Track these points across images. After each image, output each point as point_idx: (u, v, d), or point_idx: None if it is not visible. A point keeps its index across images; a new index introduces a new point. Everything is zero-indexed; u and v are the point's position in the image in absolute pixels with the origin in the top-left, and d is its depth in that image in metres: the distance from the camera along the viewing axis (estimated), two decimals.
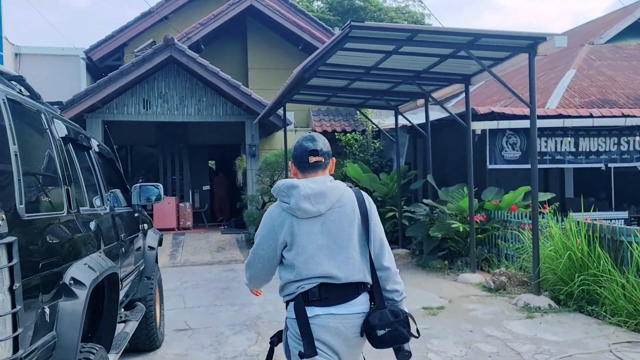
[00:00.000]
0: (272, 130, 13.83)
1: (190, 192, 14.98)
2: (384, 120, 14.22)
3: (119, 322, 4.25)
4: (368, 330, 2.28)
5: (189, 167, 15.22)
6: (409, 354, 2.38)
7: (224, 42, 15.47)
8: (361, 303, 2.33)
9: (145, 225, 4.86)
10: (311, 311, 2.25)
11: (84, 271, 2.29)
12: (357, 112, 14.52)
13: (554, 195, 9.48)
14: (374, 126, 14.27)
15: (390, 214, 11.61)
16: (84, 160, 3.20)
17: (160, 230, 13.24)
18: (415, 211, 10.09)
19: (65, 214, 2.41)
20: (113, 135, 15.39)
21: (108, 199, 3.50)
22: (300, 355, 2.22)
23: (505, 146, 9.76)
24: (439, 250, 9.56)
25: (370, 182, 12.01)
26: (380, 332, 2.26)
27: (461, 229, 8.57)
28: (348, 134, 14.28)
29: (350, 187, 2.52)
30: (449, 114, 9.18)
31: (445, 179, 11.00)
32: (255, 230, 2.52)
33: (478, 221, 8.70)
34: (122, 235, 3.63)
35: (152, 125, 14.92)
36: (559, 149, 10.05)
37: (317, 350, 2.21)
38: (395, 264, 2.51)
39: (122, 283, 3.51)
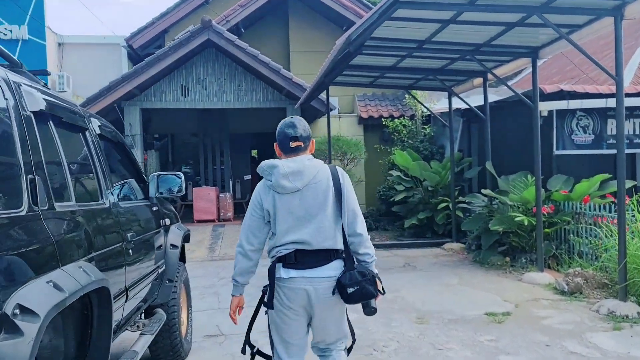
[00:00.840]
0: (314, 117, 13.11)
1: (231, 182, 14.49)
2: (435, 104, 13.24)
3: (133, 332, 3.66)
4: (340, 288, 2.65)
5: (229, 157, 14.73)
6: (375, 310, 2.75)
7: (265, 25, 14.82)
8: (334, 268, 2.71)
9: (168, 221, 4.24)
10: (287, 273, 2.69)
11: (43, 293, 1.64)
12: (406, 95, 13.63)
13: (635, 183, 8.35)
14: (424, 110, 13.32)
15: (443, 204, 10.71)
16: (73, 144, 2.58)
17: (200, 222, 12.88)
18: (472, 202, 9.18)
19: (24, 212, 1.78)
20: (154, 124, 15.11)
21: (110, 192, 2.87)
22: (264, 304, 2.79)
23: (575, 129, 8.68)
24: (499, 245, 8.64)
25: (421, 170, 11.13)
26: (350, 290, 2.62)
27: (526, 222, 7.62)
28: (396, 120, 13.41)
29: (327, 164, 2.86)
30: (511, 94, 8.22)
31: (504, 167, 9.99)
32: None
33: (545, 213, 7.72)
34: (129, 234, 3.00)
35: (193, 113, 14.49)
36: (637, 132, 8.88)
37: (284, 307, 2.72)
38: (366, 232, 2.87)
39: (128, 293, 2.88)
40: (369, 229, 11.43)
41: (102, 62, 15.77)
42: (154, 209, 3.91)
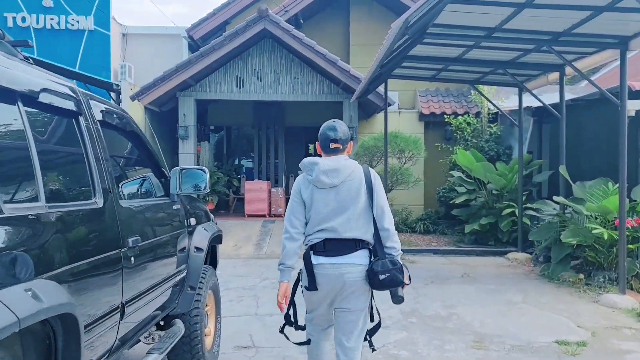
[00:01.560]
0: (372, 111, 12.50)
1: (284, 176, 14.13)
2: (503, 101, 12.28)
3: (148, 344, 3.25)
4: (371, 275, 2.94)
5: (284, 150, 14.37)
6: (402, 298, 3.05)
7: (325, 17, 14.33)
8: (358, 257, 3.00)
9: (193, 220, 3.81)
10: (317, 259, 3.02)
11: None
12: (472, 92, 12.73)
13: None
14: (491, 108, 12.39)
15: (508, 210, 9.84)
16: (55, 130, 2.16)
17: (250, 216, 12.59)
18: (541, 209, 8.28)
19: None
20: (210, 115, 15.01)
21: (108, 189, 2.43)
22: (307, 287, 3.07)
23: None
24: (572, 259, 7.74)
25: (485, 172, 10.28)
26: (382, 277, 2.92)
27: (605, 236, 6.70)
28: (459, 117, 12.56)
29: (362, 164, 3.19)
30: (589, 92, 7.32)
31: (579, 173, 9.00)
32: None
33: (629, 227, 6.77)
34: (132, 239, 2.57)
35: (248, 106, 14.24)
36: None
37: (317, 287, 3.01)
38: (394, 226, 3.11)
39: (125, 309, 2.45)
40: (427, 232, 10.52)
41: (164, 53, 15.83)
42: (175, 207, 3.49)
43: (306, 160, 3.16)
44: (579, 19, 5.69)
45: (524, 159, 10.18)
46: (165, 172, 3.49)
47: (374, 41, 13.92)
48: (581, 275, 7.35)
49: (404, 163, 10.66)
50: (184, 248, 3.63)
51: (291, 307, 3.19)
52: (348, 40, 14.12)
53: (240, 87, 11.75)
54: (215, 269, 4.78)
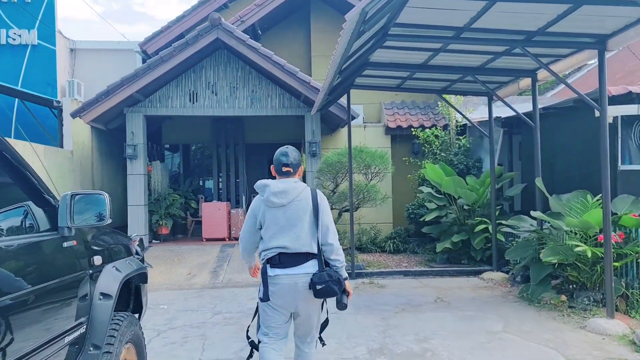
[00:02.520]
0: (336, 126, 11.85)
1: (244, 196, 13.31)
2: (471, 112, 11.83)
3: None
4: (311, 285, 3.34)
5: (245, 169, 13.57)
6: (345, 305, 3.50)
7: (284, 27, 13.74)
8: (309, 267, 3.40)
9: (99, 259, 3.00)
10: (273, 271, 3.40)
11: None
12: (439, 103, 12.27)
13: None
14: (459, 120, 11.93)
15: (481, 227, 9.25)
16: None
17: (209, 240, 11.69)
18: (517, 226, 7.70)
19: None
20: (165, 133, 14.12)
21: None
22: (260, 299, 3.46)
23: None
24: (552, 278, 7.16)
25: (455, 186, 9.71)
26: (318, 287, 3.31)
27: (589, 254, 6.13)
28: (427, 130, 12.03)
29: (309, 186, 3.60)
30: (561, 100, 6.81)
31: (554, 185, 8.53)
32: None
33: (614, 243, 6.22)
34: None
35: (206, 122, 13.44)
36: None
37: (271, 299, 3.41)
38: (337, 241, 3.51)
39: None
40: (397, 251, 9.80)
41: (116, 69, 14.88)
42: (67, 244, 2.67)
43: (259, 182, 3.58)
44: (554, 14, 5.15)
45: (495, 171, 9.68)
46: (52, 200, 2.67)
47: None
48: (563, 297, 6.76)
49: (371, 179, 10.00)
50: (85, 295, 2.81)
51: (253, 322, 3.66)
52: (309, 51, 13.54)
53: (194, 102, 10.95)
54: (141, 315, 3.96)
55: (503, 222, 8.41)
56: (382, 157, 9.79)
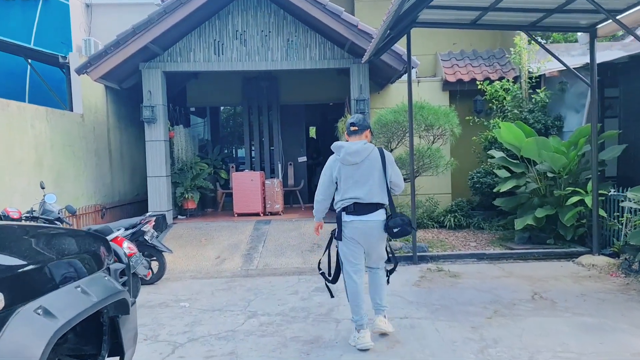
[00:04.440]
0: (386, 80, 10.05)
1: (281, 165, 11.73)
2: (543, 64, 9.83)
3: None
4: (388, 229, 4.21)
5: (280, 134, 11.95)
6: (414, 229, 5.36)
7: None
8: (378, 215, 4.22)
9: None
10: (349, 217, 4.18)
11: None
12: (509, 50, 10.30)
13: None
14: (532, 70, 9.93)
15: (574, 199, 7.42)
16: None
17: (241, 215, 10.20)
18: (637, 198, 5.86)
19: None
20: (190, 95, 12.59)
21: None
22: (341, 237, 4.26)
23: None
24: None
25: (539, 149, 7.88)
26: (395, 230, 4.19)
27: None
28: (495, 83, 10.10)
29: (377, 146, 4.35)
30: None
31: None
32: None
33: None
34: None
35: (235, 81, 11.82)
36: None
37: (348, 239, 4.24)
38: (403, 183, 4.43)
39: None
40: (459, 227, 9.35)
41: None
42: None
43: (336, 143, 4.34)
44: None
45: (582, 131, 7.79)
46: None
47: None
48: None
49: (433, 142, 8.24)
50: None
51: (330, 264, 4.50)
52: None
53: (219, 55, 9.31)
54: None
55: (605, 192, 6.57)
56: (447, 115, 8.01)
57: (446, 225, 9.73)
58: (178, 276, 7.06)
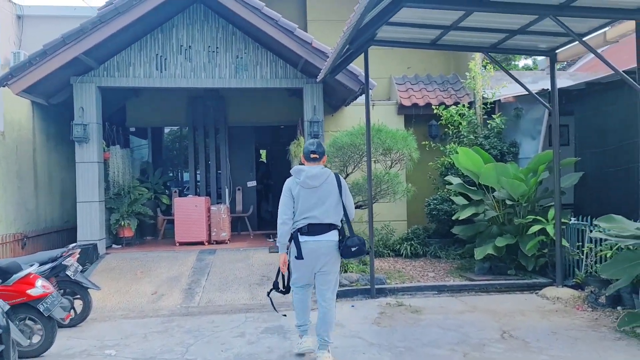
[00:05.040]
0: (342, 102, 9.63)
1: (228, 190, 11.02)
2: (497, 90, 9.72)
3: None
4: (345, 249, 4.36)
5: (227, 157, 11.26)
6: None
7: None
8: (331, 235, 4.38)
9: None
10: (303, 238, 4.34)
11: None
12: (460, 79, 10.14)
13: None
14: (487, 96, 9.79)
15: (536, 227, 7.13)
16: None
17: (183, 244, 9.40)
18: (608, 229, 5.58)
19: None
20: (130, 114, 11.73)
21: None
22: (296, 257, 4.34)
23: None
24: None
25: (498, 175, 7.59)
26: (353, 249, 4.36)
27: None
28: (451, 108, 9.87)
29: (333, 171, 4.59)
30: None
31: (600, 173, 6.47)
32: None
33: None
34: None
35: (180, 100, 11.10)
36: None
37: (301, 260, 4.34)
38: (354, 214, 4.65)
39: None
40: (416, 255, 8.98)
41: None
42: None
43: (296, 167, 4.52)
44: None
45: (543, 157, 7.59)
46: None
47: (335, 17, 11.17)
48: None
49: (391, 166, 7.82)
50: None
51: (279, 276, 4.61)
52: (305, 15, 11.28)
53: (162, 70, 8.61)
54: None
55: (576, 221, 6.30)
56: (406, 139, 7.61)
57: (402, 253, 9.30)
58: (107, 315, 6.20)
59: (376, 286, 6.88)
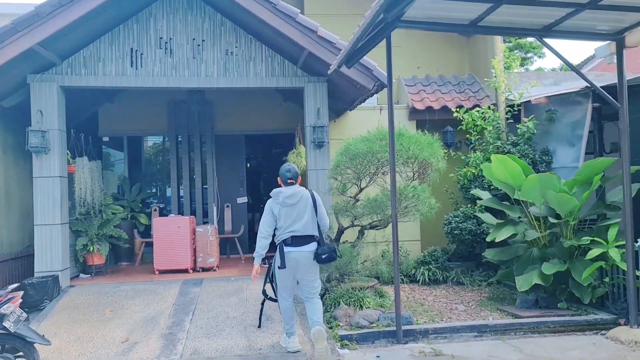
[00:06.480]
0: (349, 104, 8.32)
1: (216, 208, 9.62)
2: (527, 90, 8.52)
3: None
4: (317, 257, 4.96)
5: (214, 170, 9.88)
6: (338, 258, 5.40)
7: None
8: (312, 246, 4.98)
9: None
10: (287, 249, 4.93)
11: None
12: (477, 79, 8.93)
13: None
14: (514, 97, 8.57)
15: (596, 251, 5.85)
16: None
17: (163, 273, 7.66)
18: None
19: None
20: (102, 121, 10.31)
21: None
22: (279, 267, 4.96)
23: None
24: None
25: (542, 189, 6.31)
26: (324, 256, 4.95)
27: None
28: (473, 111, 8.63)
29: (307, 189, 5.17)
30: None
31: None
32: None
33: None
34: None
35: (159, 104, 9.74)
36: None
37: (285, 269, 4.93)
38: (328, 222, 5.28)
39: None
40: (435, 282, 7.93)
41: None
42: None
43: (275, 190, 5.08)
44: None
45: (600, 164, 6.35)
46: None
47: (337, 10, 9.96)
48: None
49: (413, 178, 6.50)
50: None
51: (266, 285, 5.45)
52: (302, 9, 10.02)
53: (137, 67, 7.25)
54: None
55: None
56: (431, 146, 6.32)
57: (419, 280, 8.02)
58: None
59: (403, 327, 5.53)
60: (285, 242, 4.93)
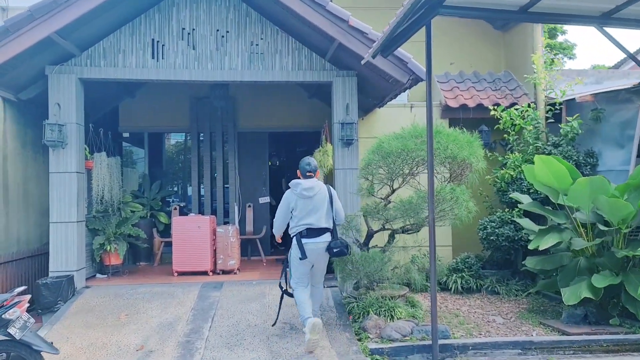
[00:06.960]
0: (379, 100, 7.88)
1: (237, 208, 9.25)
2: (570, 87, 7.96)
3: None
4: (329, 249, 5.22)
5: (237, 169, 9.53)
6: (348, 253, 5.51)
7: None
8: (326, 237, 5.25)
9: None
10: (304, 240, 5.17)
11: None
12: (513, 76, 8.40)
13: None
14: (556, 95, 8.02)
15: None
16: None
17: (182, 275, 7.16)
18: None
19: None
20: (123, 117, 10.03)
21: None
22: (300, 258, 5.16)
23: None
24: None
25: (592, 193, 5.78)
26: (335, 250, 5.22)
27: None
28: (511, 109, 8.10)
29: (324, 184, 5.42)
30: None
31: None
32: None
33: None
34: None
35: (181, 99, 9.44)
36: None
37: (302, 260, 5.17)
38: (344, 214, 5.54)
39: None
40: (468, 291, 7.53)
41: None
42: None
43: (294, 181, 5.31)
44: None
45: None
46: None
47: (364, 4, 9.49)
48: None
49: (451, 179, 6.03)
50: None
51: (282, 277, 5.60)
52: None
53: (158, 59, 6.92)
54: None
55: None
56: (471, 144, 5.84)
57: (451, 288, 7.56)
58: None
59: (440, 342, 5.06)
60: (301, 234, 5.18)
